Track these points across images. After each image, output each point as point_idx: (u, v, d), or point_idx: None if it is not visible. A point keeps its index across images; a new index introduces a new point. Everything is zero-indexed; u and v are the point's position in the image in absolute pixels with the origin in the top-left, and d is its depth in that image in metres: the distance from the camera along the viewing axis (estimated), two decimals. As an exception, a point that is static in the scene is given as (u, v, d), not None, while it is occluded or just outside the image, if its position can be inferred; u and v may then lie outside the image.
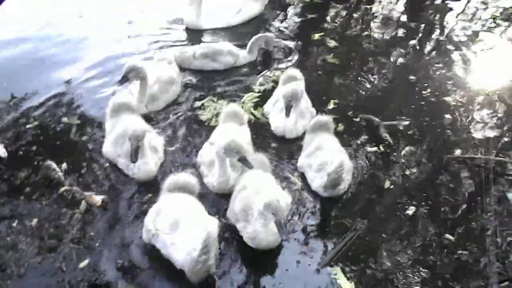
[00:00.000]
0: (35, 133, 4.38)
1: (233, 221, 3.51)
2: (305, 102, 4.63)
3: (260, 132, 4.59)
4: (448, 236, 3.65)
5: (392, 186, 4.08)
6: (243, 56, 5.61)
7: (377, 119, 4.71)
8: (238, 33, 6.38)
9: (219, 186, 3.81)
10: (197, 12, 6.28)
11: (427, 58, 6.21)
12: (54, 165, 3.95)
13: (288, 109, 4.33)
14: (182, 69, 5.36)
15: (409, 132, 4.70)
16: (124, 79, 4.44)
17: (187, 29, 6.39)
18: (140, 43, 6.00)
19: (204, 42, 6.12)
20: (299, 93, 4.37)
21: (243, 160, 3.63)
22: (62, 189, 3.77)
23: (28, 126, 4.46)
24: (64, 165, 4.01)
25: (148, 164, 3.89)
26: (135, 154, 3.75)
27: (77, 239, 3.37)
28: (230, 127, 4.21)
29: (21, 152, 4.15)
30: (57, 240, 3.36)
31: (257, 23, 6.68)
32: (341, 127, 4.67)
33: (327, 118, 4.30)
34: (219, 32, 6.42)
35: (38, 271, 3.14)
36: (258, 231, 3.26)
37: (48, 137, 4.37)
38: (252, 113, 4.80)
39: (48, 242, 3.34)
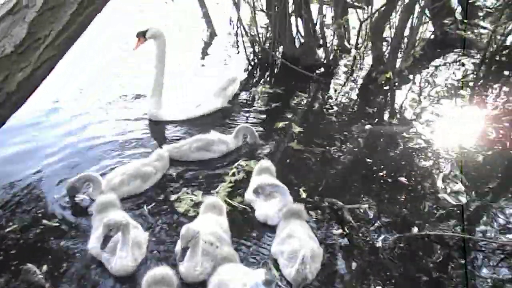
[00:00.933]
0: (14, 237, 4.49)
1: None
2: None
3: (238, 219, 4.89)
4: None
5: (358, 267, 4.37)
6: (232, 142, 6.09)
7: (340, 203, 5.09)
8: (200, 124, 6.83)
9: (187, 272, 4.01)
10: (158, 105, 6.79)
11: (381, 139, 6.82)
12: (34, 268, 4.05)
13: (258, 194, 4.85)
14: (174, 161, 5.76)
15: (369, 214, 5.09)
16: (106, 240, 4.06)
17: (150, 121, 6.82)
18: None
19: (167, 134, 6.60)
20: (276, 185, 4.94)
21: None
22: (43, 293, 3.87)
23: (7, 230, 4.57)
24: (45, 268, 4.12)
25: (125, 259, 4.05)
26: (104, 242, 3.97)
27: None
28: (210, 218, 4.53)
29: (0, 257, 4.24)
30: None
31: (220, 115, 7.22)
32: (310, 212, 5.01)
33: (298, 206, 4.68)
34: (180, 123, 6.85)
35: None
36: None
37: (28, 240, 4.48)
38: (227, 202, 5.10)
39: None
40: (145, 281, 3.67)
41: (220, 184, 5.42)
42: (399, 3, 8.78)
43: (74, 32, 4.58)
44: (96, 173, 5.17)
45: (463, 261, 4.48)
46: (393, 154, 6.37)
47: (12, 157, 5.81)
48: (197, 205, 4.98)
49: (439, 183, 5.66)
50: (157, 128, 6.73)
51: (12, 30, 4.25)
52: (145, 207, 5.01)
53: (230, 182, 5.49)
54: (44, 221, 4.72)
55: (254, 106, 7.69)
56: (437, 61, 10.08)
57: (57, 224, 4.70)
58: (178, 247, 4.19)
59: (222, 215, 4.69)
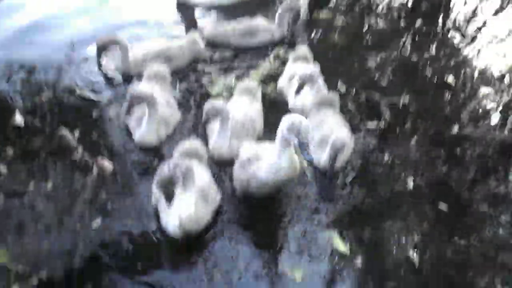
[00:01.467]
0: (49, 103, 4.56)
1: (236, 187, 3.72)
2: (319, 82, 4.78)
3: (271, 107, 4.74)
4: (442, 205, 3.81)
5: (391, 161, 4.22)
6: (276, 30, 5.71)
7: (377, 94, 4.83)
8: (230, 11, 6.39)
9: (215, 150, 4.00)
10: None
11: (431, 38, 6.26)
12: (67, 133, 4.15)
13: (299, 89, 4.49)
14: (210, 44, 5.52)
15: (409, 109, 4.81)
16: (129, 109, 4.10)
17: (178, 5, 6.45)
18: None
19: (197, 18, 6.26)
20: (315, 75, 4.52)
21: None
22: (75, 155, 3.98)
23: (43, 97, 4.64)
24: (77, 133, 4.21)
25: (147, 133, 4.08)
26: (127, 110, 4.00)
27: (89, 202, 3.58)
28: (244, 100, 4.43)
29: (36, 121, 4.34)
30: (71, 202, 3.58)
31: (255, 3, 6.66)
32: (345, 103, 4.79)
33: (332, 95, 4.45)
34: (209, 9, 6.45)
35: (53, 230, 3.37)
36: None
37: (62, 107, 4.56)
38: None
39: (62, 203, 3.56)
40: (177, 151, 3.69)
41: (254, 70, 5.22)
42: None
43: None
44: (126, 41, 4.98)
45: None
46: (442, 53, 5.87)
47: (44, 24, 5.79)
48: (230, 88, 4.85)
49: (487, 89, 5.23)
50: (187, 12, 6.41)
51: None
52: (177, 84, 4.93)
53: (266, 68, 5.26)
54: (77, 90, 4.76)
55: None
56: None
57: (90, 93, 4.75)
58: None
59: (256, 99, 4.57)
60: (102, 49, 4.87)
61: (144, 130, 4.07)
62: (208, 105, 3.93)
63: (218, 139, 4.01)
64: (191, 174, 3.15)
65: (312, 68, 4.69)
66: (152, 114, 4.03)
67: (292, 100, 4.70)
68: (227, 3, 6.48)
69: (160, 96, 4.26)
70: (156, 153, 4.10)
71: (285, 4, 5.72)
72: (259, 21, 5.68)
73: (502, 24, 6.64)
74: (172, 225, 3.18)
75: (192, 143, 3.74)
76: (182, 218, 3.12)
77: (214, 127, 4.11)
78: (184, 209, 3.14)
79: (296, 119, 3.26)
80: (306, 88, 4.59)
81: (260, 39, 5.64)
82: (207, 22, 6.03)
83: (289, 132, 3.25)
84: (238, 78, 5.04)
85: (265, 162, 3.47)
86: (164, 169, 3.07)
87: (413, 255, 3.42)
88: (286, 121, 3.30)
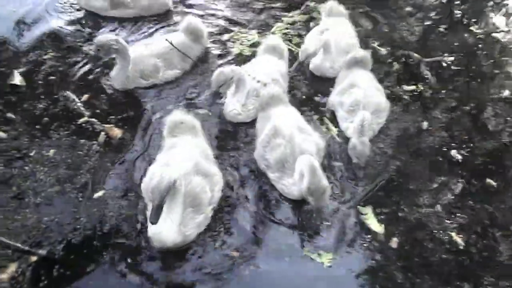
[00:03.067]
0: (52, 64, 4.19)
1: (261, 166, 3.30)
2: (348, 38, 4.26)
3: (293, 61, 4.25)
4: (489, 181, 3.35)
5: (430, 127, 3.74)
6: None
7: (417, 56, 4.29)
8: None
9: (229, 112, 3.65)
10: None
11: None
12: (73, 96, 3.81)
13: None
14: None
15: (452, 70, 4.27)
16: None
17: None
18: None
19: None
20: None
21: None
22: (82, 120, 3.64)
23: (45, 56, 4.27)
24: (84, 97, 3.86)
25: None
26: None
27: (93, 171, 3.25)
28: (268, 59, 4.00)
29: (39, 82, 3.99)
30: (74, 170, 3.25)
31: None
32: (379, 63, 4.28)
33: (364, 53, 3.94)
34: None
35: (54, 200, 3.06)
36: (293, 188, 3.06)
37: (66, 68, 4.18)
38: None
39: (65, 172, 3.24)
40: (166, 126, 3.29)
41: (276, 25, 4.72)
42: None
43: None
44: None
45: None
46: (490, 9, 5.21)
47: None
48: (253, 45, 4.41)
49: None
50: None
51: None
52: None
53: (289, 23, 4.75)
54: (84, 49, 4.36)
55: None
56: None
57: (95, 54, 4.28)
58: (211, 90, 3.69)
59: (282, 58, 4.10)
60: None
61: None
62: (216, 73, 3.54)
63: (232, 101, 3.62)
64: (175, 190, 2.66)
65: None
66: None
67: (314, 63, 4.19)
68: None
69: None
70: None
71: None
72: None
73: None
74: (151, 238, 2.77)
75: (181, 117, 3.29)
76: (159, 239, 2.70)
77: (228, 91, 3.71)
78: (165, 230, 2.69)
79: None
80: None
81: None
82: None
83: None
84: (260, 33, 4.55)
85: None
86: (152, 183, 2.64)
87: (457, 235, 2.99)
88: None
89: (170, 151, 3.10)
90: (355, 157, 3.32)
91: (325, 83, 4.07)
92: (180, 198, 2.70)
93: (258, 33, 4.61)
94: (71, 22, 4.74)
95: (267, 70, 3.82)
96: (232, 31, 4.71)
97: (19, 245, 2.76)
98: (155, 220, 2.56)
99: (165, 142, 3.23)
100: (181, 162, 2.91)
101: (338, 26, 4.31)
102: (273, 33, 4.59)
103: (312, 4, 5.02)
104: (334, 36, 4.09)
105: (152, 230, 2.71)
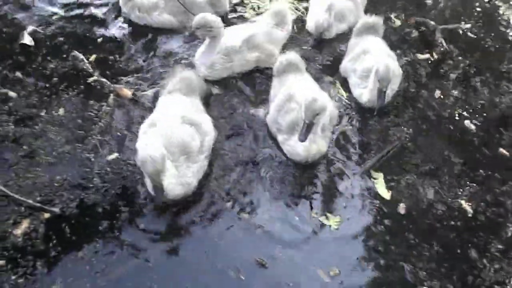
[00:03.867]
0: (62, 24, 4.13)
1: (272, 130, 3.28)
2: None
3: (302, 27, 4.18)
4: (503, 151, 3.32)
5: (443, 98, 3.69)
6: None
7: (432, 23, 4.19)
8: None
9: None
10: None
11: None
12: (81, 56, 3.77)
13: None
14: None
15: (469, 38, 4.17)
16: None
17: None
18: None
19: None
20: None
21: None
22: (92, 79, 3.61)
23: (54, 17, 4.20)
24: (93, 57, 3.82)
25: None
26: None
27: (105, 132, 3.25)
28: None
29: (48, 43, 3.94)
30: (85, 131, 3.25)
31: None
32: (391, 31, 4.19)
33: (375, 19, 3.84)
34: None
35: (66, 160, 3.07)
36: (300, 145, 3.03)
37: (75, 29, 4.12)
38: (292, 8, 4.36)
39: (76, 132, 3.24)
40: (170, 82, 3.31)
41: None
42: None
43: None
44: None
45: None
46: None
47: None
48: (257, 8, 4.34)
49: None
50: None
51: None
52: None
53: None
54: (94, 11, 4.28)
55: None
56: None
57: (104, 17, 4.26)
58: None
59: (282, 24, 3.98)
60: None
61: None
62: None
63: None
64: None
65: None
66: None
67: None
68: None
69: None
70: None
71: None
72: None
73: None
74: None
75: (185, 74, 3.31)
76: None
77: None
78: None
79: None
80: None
81: None
82: None
83: None
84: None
85: None
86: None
87: (466, 203, 3.00)
88: None
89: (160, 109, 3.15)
90: (378, 83, 3.26)
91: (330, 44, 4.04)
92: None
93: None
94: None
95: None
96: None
97: (31, 201, 2.79)
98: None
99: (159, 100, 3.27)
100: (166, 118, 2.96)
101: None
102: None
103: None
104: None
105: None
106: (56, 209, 2.78)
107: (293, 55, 3.52)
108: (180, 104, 3.12)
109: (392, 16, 4.41)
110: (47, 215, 2.76)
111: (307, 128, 2.88)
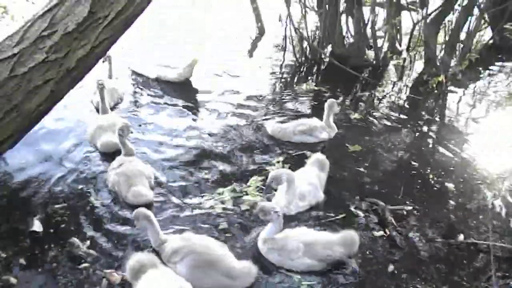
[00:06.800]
0: (63, 213, 4.68)
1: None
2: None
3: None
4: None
5: (396, 270, 4.22)
6: (328, 129, 6.36)
7: (382, 203, 4.97)
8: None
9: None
10: None
11: (429, 142, 6.59)
12: (78, 242, 4.22)
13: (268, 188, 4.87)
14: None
15: (413, 217, 4.91)
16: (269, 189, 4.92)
17: None
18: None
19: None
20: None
21: None
22: (83, 265, 4.02)
23: (56, 206, 4.77)
24: (88, 243, 4.28)
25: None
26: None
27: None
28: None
29: (51, 230, 4.42)
30: (79, 316, 3.55)
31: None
32: (350, 211, 4.93)
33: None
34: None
35: None
36: None
37: (75, 216, 4.66)
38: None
39: (70, 317, 3.53)
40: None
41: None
42: (456, 5, 8.47)
43: (132, 14, 4.78)
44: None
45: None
46: (442, 158, 6.13)
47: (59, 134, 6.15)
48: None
49: (488, 194, 5.39)
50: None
51: (75, 9, 4.46)
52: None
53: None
54: (91, 199, 4.91)
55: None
56: (494, 68, 9.66)
57: (101, 202, 4.88)
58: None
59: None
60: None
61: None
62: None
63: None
64: None
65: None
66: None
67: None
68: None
69: None
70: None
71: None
72: (316, 121, 6.33)
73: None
74: None
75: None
76: None
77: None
78: None
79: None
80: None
81: (318, 136, 6.31)
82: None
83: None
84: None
85: None
86: None
87: None
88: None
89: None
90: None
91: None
92: None
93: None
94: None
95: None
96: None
97: None
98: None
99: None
100: None
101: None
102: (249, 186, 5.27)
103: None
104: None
105: None
106: None
107: None
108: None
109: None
110: None
111: None
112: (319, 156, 5.31)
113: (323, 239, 4.16)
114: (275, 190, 4.98)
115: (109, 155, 5.62)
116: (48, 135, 6.08)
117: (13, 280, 3.82)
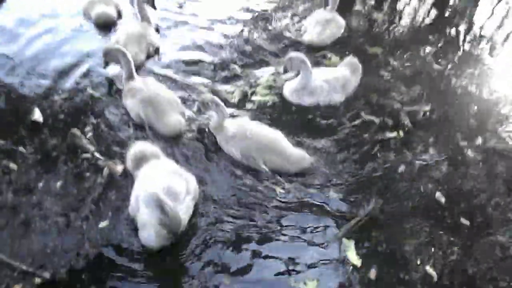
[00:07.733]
0: (64, 104, 4.53)
1: None
2: None
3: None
4: (463, 220, 3.62)
5: (407, 172, 4.05)
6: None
7: (397, 104, 4.69)
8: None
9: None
10: None
11: (458, 49, 6.11)
12: (79, 133, 4.11)
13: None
14: None
15: (430, 119, 4.64)
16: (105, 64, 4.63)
17: None
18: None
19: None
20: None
21: None
22: (85, 155, 3.93)
23: (57, 97, 4.61)
24: (90, 134, 4.17)
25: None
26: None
27: (98, 202, 3.52)
28: None
29: (51, 121, 4.30)
30: (80, 201, 3.51)
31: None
32: (363, 111, 4.68)
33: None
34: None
35: (60, 228, 3.30)
36: None
37: (76, 108, 4.51)
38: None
39: (71, 203, 3.50)
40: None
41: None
42: None
43: None
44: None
45: None
46: (467, 65, 5.69)
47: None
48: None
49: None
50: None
51: None
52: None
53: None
54: (90, 91, 4.72)
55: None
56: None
57: (101, 95, 4.70)
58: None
59: None
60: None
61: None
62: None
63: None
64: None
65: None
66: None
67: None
68: None
69: None
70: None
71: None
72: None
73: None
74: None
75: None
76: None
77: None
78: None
79: None
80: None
81: None
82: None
83: None
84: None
85: None
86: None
87: (431, 268, 3.24)
88: None
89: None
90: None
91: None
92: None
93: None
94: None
95: None
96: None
97: (23, 267, 2.98)
98: None
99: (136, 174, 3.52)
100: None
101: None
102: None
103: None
104: None
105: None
106: (47, 274, 2.97)
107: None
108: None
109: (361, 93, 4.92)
110: (38, 280, 2.94)
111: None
112: (352, 59, 4.90)
113: None
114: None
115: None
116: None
117: (12, 165, 3.77)
